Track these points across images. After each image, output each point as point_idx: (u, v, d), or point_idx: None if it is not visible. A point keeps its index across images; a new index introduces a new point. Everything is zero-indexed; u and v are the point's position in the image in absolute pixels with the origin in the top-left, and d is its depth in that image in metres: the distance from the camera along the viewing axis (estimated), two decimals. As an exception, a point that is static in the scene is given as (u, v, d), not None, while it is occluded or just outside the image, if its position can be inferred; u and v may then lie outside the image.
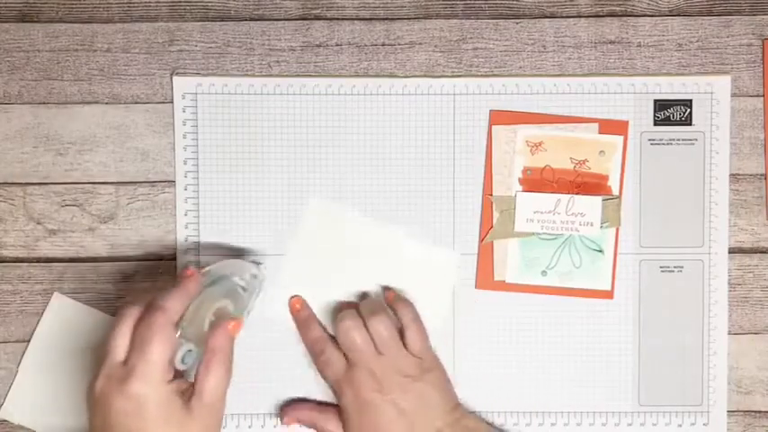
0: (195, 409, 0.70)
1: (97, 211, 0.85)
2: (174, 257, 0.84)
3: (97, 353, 0.73)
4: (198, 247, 0.84)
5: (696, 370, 0.85)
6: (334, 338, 0.81)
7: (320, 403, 0.84)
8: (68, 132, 0.84)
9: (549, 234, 0.84)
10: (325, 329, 0.83)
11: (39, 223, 0.84)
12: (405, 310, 0.81)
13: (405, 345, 0.80)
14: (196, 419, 0.70)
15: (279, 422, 0.84)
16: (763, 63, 0.85)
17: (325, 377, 0.81)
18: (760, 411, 0.85)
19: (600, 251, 0.84)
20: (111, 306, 0.84)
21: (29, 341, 0.84)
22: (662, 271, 0.84)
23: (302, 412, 0.83)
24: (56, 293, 0.84)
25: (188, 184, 0.84)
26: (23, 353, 0.84)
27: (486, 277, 0.84)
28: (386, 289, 0.84)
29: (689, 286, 0.84)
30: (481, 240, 0.84)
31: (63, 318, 0.84)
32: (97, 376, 0.69)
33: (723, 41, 0.85)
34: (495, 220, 0.84)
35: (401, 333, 0.80)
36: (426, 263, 0.84)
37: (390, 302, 0.82)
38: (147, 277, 0.84)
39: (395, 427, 0.77)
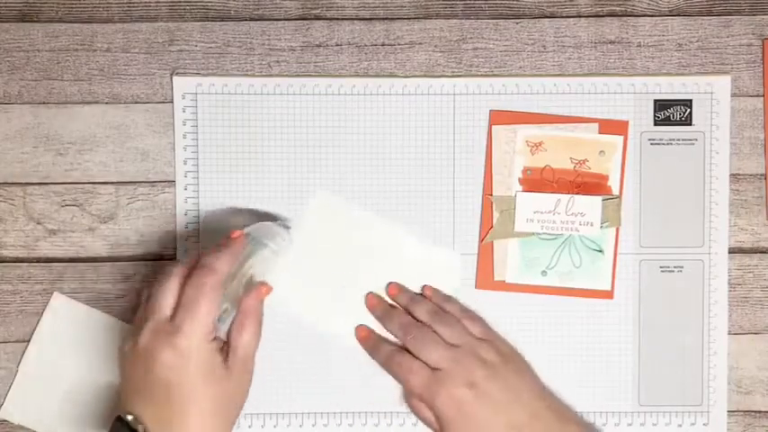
0: (232, 365, 0.73)
1: (97, 211, 0.85)
2: (174, 257, 0.84)
3: (136, 310, 0.75)
4: (198, 247, 0.84)
5: (696, 370, 0.85)
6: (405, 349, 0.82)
7: None
8: (68, 132, 0.84)
9: (549, 234, 0.84)
10: (393, 343, 0.83)
11: (39, 223, 0.84)
12: (449, 304, 0.83)
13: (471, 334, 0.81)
14: (233, 376, 0.72)
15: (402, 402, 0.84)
16: (763, 63, 0.85)
17: (410, 389, 0.81)
18: (760, 411, 0.85)
19: (600, 251, 0.84)
20: (111, 306, 0.84)
21: (29, 341, 0.84)
22: (662, 271, 0.84)
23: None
24: (56, 293, 0.84)
25: (188, 184, 0.84)
26: (23, 353, 0.84)
27: (486, 277, 0.84)
28: (424, 288, 0.85)
29: (689, 286, 0.84)
30: (481, 240, 0.84)
31: (63, 318, 0.84)
32: (139, 332, 0.71)
33: (723, 41, 0.85)
34: (495, 220, 0.84)
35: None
36: (428, 263, 0.84)
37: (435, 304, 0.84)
38: (147, 277, 0.84)
39: (491, 417, 0.78)
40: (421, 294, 0.84)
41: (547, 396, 0.82)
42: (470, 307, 0.84)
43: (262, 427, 0.84)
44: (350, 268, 0.84)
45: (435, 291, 0.84)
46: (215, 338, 0.72)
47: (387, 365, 0.82)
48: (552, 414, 0.80)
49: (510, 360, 0.81)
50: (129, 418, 0.70)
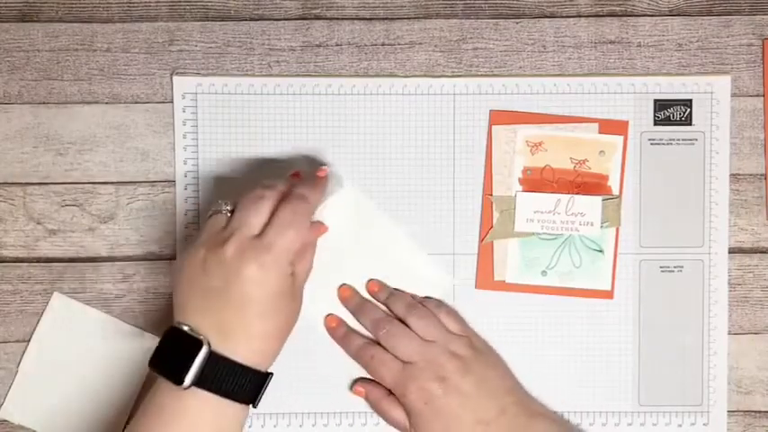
0: (297, 290, 0.75)
1: (97, 211, 0.85)
2: (173, 257, 0.84)
3: (207, 224, 0.75)
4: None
5: (696, 370, 0.85)
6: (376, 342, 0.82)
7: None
8: (68, 132, 0.84)
9: (549, 234, 0.84)
10: (364, 336, 0.83)
11: (39, 223, 0.84)
12: (426, 299, 0.84)
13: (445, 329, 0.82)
14: (296, 300, 0.75)
15: (350, 388, 0.84)
16: (763, 63, 0.85)
17: (382, 379, 0.81)
18: (760, 411, 0.85)
19: (600, 251, 0.84)
20: (111, 306, 0.84)
21: (29, 341, 0.84)
22: (662, 271, 0.84)
23: (373, 389, 0.82)
24: (56, 293, 0.84)
25: (188, 183, 0.84)
26: (23, 353, 0.84)
27: (486, 277, 0.84)
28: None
29: (689, 286, 0.84)
30: (481, 240, 0.84)
31: (63, 318, 0.84)
32: (227, 243, 0.71)
33: (723, 41, 0.85)
34: (495, 220, 0.84)
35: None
36: (422, 269, 0.84)
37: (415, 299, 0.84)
38: (147, 277, 0.84)
39: (463, 411, 0.78)
40: (398, 290, 0.84)
41: (517, 391, 0.82)
42: (468, 305, 0.84)
43: (262, 426, 0.84)
44: (355, 268, 0.84)
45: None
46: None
47: (358, 357, 0.82)
48: (521, 409, 0.80)
49: (482, 355, 0.81)
50: (185, 328, 0.70)
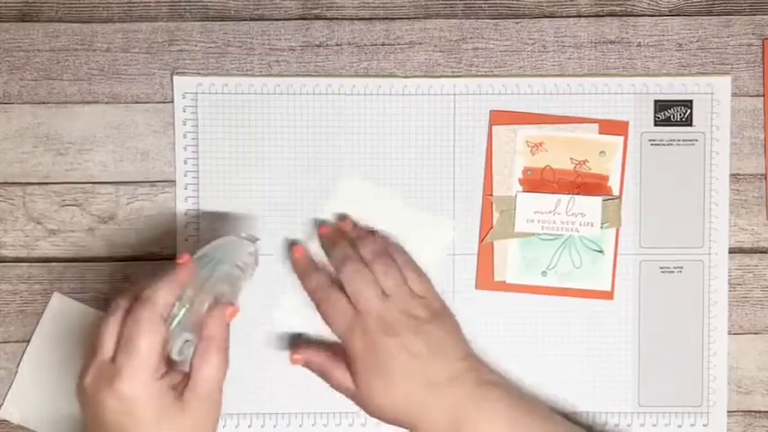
0: (189, 401, 0.67)
1: (97, 211, 0.85)
2: (173, 257, 0.84)
3: (87, 346, 0.71)
4: (198, 247, 0.84)
5: (696, 370, 0.85)
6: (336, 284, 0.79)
7: (332, 350, 0.80)
8: (68, 132, 0.84)
9: (550, 234, 0.84)
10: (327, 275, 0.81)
11: (39, 223, 0.84)
12: (397, 253, 0.81)
13: (409, 288, 0.79)
14: (190, 413, 0.67)
15: (289, 360, 0.81)
16: (763, 63, 0.85)
17: (331, 324, 0.78)
18: (760, 411, 0.86)
19: (600, 251, 0.84)
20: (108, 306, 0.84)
21: (29, 341, 0.84)
22: (662, 271, 0.84)
23: (313, 354, 0.80)
24: (56, 293, 0.84)
25: (188, 183, 0.84)
26: (23, 353, 0.84)
27: (486, 278, 0.84)
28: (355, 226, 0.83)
29: (689, 286, 0.85)
30: (481, 241, 0.84)
31: (63, 318, 0.84)
32: (86, 372, 0.67)
33: (723, 41, 0.85)
34: (495, 221, 0.84)
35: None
36: (419, 228, 0.84)
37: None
38: (147, 277, 0.84)
39: (408, 371, 0.76)
40: (371, 232, 0.83)
41: (471, 359, 0.79)
42: (469, 299, 0.84)
43: (262, 426, 0.84)
44: None
45: (388, 236, 0.83)
46: (166, 374, 0.67)
47: (313, 293, 0.79)
48: (473, 375, 0.78)
49: (438, 318, 0.79)
50: None
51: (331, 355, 0.79)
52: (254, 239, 0.77)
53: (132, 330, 0.66)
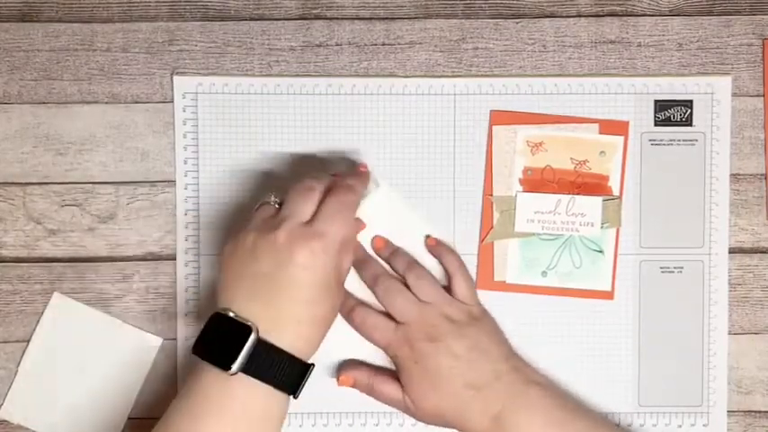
0: (341, 282, 0.75)
1: (97, 211, 0.84)
2: (173, 257, 0.84)
3: (256, 211, 0.76)
4: (198, 247, 0.84)
5: (696, 370, 0.85)
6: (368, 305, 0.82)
7: (374, 367, 0.83)
8: (68, 132, 0.84)
9: (550, 234, 0.84)
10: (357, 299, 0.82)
11: (39, 223, 0.84)
12: (449, 257, 0.83)
13: (451, 292, 0.81)
14: (340, 291, 0.75)
15: (336, 381, 0.83)
16: (763, 63, 0.85)
17: (374, 340, 0.81)
18: (760, 411, 0.86)
19: (600, 251, 0.84)
20: (111, 306, 0.84)
21: (29, 341, 0.84)
22: (662, 271, 0.84)
23: (360, 374, 0.82)
24: (56, 293, 0.84)
25: (188, 183, 0.84)
26: (23, 353, 0.84)
27: (486, 278, 0.84)
28: (427, 237, 0.84)
29: (689, 286, 0.85)
30: (481, 241, 0.84)
31: (63, 318, 0.84)
32: (278, 228, 0.72)
33: (723, 41, 0.85)
34: (495, 221, 0.84)
35: (448, 281, 0.82)
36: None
37: (432, 250, 0.83)
38: (147, 277, 0.84)
39: (452, 373, 0.78)
40: (402, 249, 0.84)
41: (513, 359, 0.81)
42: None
43: (262, 427, 0.84)
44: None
45: (438, 242, 0.84)
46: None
47: (350, 320, 0.81)
48: (516, 376, 0.79)
49: (478, 321, 0.81)
50: (231, 314, 0.70)
51: (376, 371, 0.82)
52: (378, 184, 0.82)
53: (337, 206, 0.74)
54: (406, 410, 0.80)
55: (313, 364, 0.73)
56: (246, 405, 0.70)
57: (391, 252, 0.83)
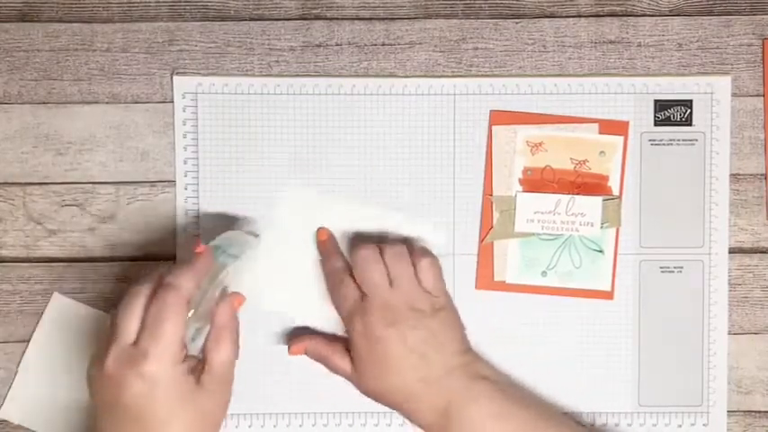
0: (206, 384, 0.71)
1: (97, 211, 0.85)
2: (173, 257, 0.84)
3: (102, 332, 0.73)
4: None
5: (696, 370, 0.85)
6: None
7: (329, 336, 0.83)
8: (68, 132, 0.84)
9: (550, 234, 0.84)
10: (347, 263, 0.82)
11: (39, 223, 0.84)
12: (419, 248, 0.81)
13: (418, 281, 0.79)
14: (207, 395, 0.71)
15: (286, 351, 0.82)
16: (763, 63, 0.85)
17: (337, 307, 0.80)
18: (760, 411, 0.86)
19: (600, 251, 0.84)
20: (112, 306, 0.84)
21: (29, 341, 0.84)
22: (662, 271, 0.84)
23: (311, 342, 0.81)
24: (56, 293, 0.84)
25: (188, 183, 0.84)
26: (23, 353, 0.84)
27: (486, 278, 0.84)
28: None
29: (689, 286, 0.85)
30: (481, 240, 0.84)
31: (63, 318, 0.84)
32: (106, 356, 0.68)
33: (723, 41, 0.85)
34: (495, 221, 0.84)
35: (414, 269, 0.79)
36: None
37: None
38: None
39: (403, 363, 0.77)
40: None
41: (467, 353, 0.80)
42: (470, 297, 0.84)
43: (261, 426, 0.84)
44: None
45: (414, 240, 0.84)
46: (185, 359, 0.70)
47: (327, 278, 0.81)
48: (468, 370, 0.78)
49: (440, 312, 0.79)
50: None
51: (329, 341, 0.81)
52: (254, 234, 0.81)
53: (159, 315, 0.68)
54: (353, 384, 0.80)
55: None
56: None
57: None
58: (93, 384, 0.70)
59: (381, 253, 0.79)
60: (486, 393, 0.78)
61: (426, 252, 0.81)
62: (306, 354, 0.82)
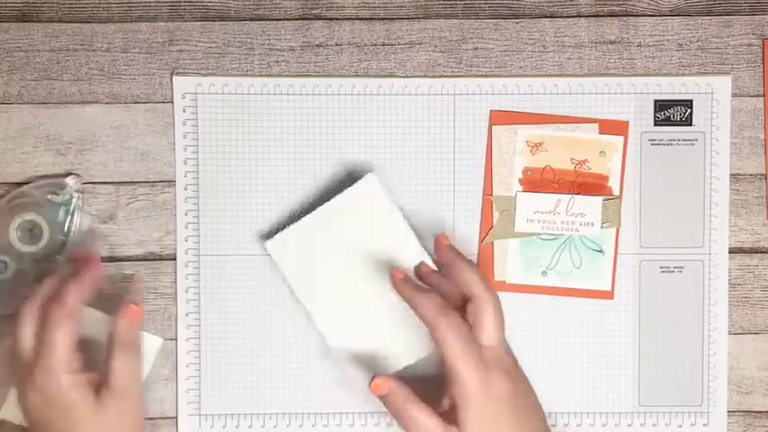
0: (104, 398, 0.70)
1: (97, 211, 0.84)
2: (173, 257, 0.84)
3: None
4: (198, 247, 0.84)
5: (696, 370, 0.85)
6: None
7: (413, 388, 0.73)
8: (68, 132, 0.84)
9: (550, 234, 0.84)
10: None
11: (39, 223, 0.84)
12: (468, 273, 0.74)
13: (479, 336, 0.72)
14: (107, 409, 0.70)
15: (368, 385, 0.74)
16: (763, 63, 0.85)
17: (450, 346, 0.70)
18: (760, 411, 0.86)
19: (600, 251, 0.84)
20: (111, 306, 0.84)
21: (29, 341, 0.84)
22: (662, 271, 0.85)
23: (400, 387, 0.71)
24: (56, 293, 0.84)
25: (188, 183, 0.84)
26: (23, 353, 0.84)
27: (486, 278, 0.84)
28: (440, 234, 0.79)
29: (689, 286, 0.85)
30: (481, 241, 0.84)
31: (63, 318, 0.84)
32: (14, 373, 0.72)
33: (723, 41, 0.85)
34: (495, 221, 0.84)
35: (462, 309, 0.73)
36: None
37: (442, 253, 0.77)
38: (147, 277, 0.84)
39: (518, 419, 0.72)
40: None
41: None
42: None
43: (262, 427, 0.84)
44: (363, 267, 0.83)
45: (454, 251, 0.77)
46: (82, 371, 0.70)
47: (432, 317, 0.72)
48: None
49: (516, 380, 0.74)
50: None
51: (413, 392, 0.72)
52: (75, 174, 0.81)
53: (46, 326, 0.70)
54: None
55: None
56: None
57: (438, 280, 0.78)
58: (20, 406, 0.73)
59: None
60: None
61: (489, 295, 0.74)
62: (386, 396, 0.72)
